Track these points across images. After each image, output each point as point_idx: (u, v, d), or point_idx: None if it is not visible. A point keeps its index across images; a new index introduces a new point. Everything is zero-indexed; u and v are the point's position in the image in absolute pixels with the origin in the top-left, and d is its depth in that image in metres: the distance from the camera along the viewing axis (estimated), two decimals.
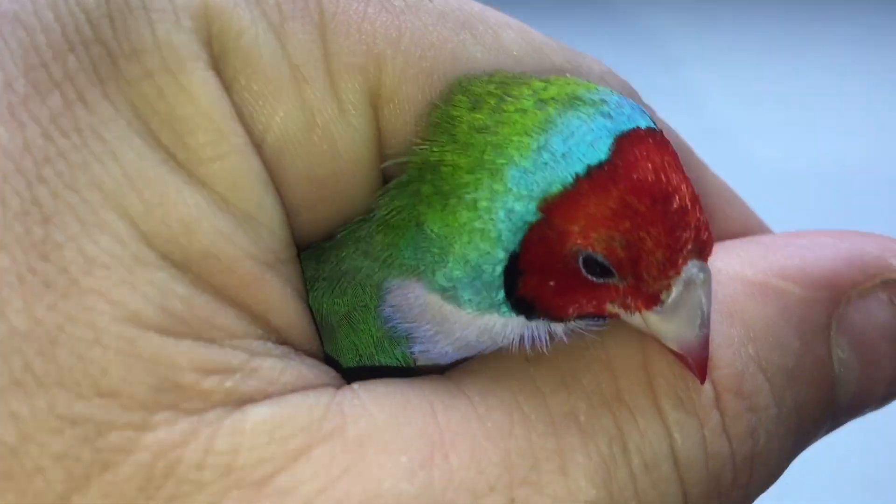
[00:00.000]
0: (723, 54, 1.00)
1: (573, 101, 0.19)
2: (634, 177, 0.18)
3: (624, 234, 0.18)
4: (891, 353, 0.20)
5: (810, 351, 0.19)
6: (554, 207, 0.18)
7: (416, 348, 0.20)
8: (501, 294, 0.19)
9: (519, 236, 0.18)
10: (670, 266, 0.18)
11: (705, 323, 0.18)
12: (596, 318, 0.19)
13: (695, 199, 0.18)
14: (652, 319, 0.18)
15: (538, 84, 0.19)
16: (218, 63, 0.17)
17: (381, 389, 0.17)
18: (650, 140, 0.18)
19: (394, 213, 0.20)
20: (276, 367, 0.16)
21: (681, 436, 0.18)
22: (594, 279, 0.18)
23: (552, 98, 0.19)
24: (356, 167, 0.19)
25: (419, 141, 0.19)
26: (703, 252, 0.18)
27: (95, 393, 0.14)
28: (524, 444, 0.17)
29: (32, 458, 0.14)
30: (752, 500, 0.19)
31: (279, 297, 0.17)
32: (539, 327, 0.20)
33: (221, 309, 0.16)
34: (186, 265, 0.16)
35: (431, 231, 0.19)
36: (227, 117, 0.17)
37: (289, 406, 0.16)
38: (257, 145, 0.17)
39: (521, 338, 0.20)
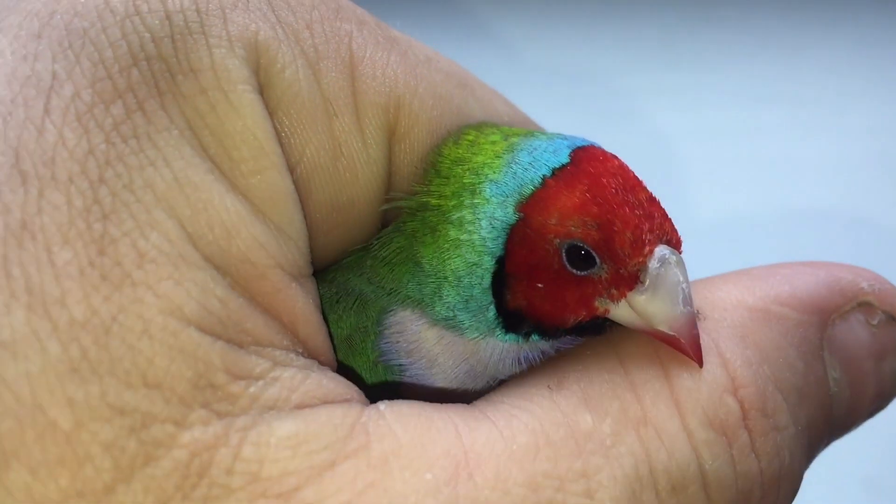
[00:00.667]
0: (723, 54, 1.00)
1: (533, 134, 0.21)
2: (595, 171, 0.20)
3: (595, 217, 0.19)
4: (873, 370, 0.21)
5: (812, 371, 0.20)
6: (529, 207, 0.20)
7: (407, 378, 0.21)
8: (493, 311, 0.20)
9: (502, 239, 0.20)
10: (641, 244, 0.19)
11: (688, 300, 0.19)
12: (583, 330, 0.20)
13: (654, 197, 0.20)
14: (637, 302, 0.19)
15: (506, 129, 0.22)
16: (263, 91, 0.19)
17: (406, 410, 0.17)
18: (605, 151, 0.21)
19: (394, 253, 0.21)
20: (297, 376, 0.17)
21: (710, 455, 0.18)
22: (577, 272, 0.19)
23: (516, 134, 0.21)
24: (371, 196, 0.21)
25: (415, 186, 0.21)
26: (671, 240, 0.19)
27: (142, 383, 0.15)
28: (549, 467, 0.17)
29: (84, 446, 0.15)
30: None
31: (303, 308, 0.18)
32: (531, 348, 0.21)
33: (252, 314, 0.17)
34: (225, 268, 0.17)
35: (428, 265, 0.21)
36: (269, 137, 0.18)
37: (314, 423, 0.16)
38: (292, 169, 0.19)
39: (518, 360, 0.21)
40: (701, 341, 0.19)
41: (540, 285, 0.20)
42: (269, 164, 0.18)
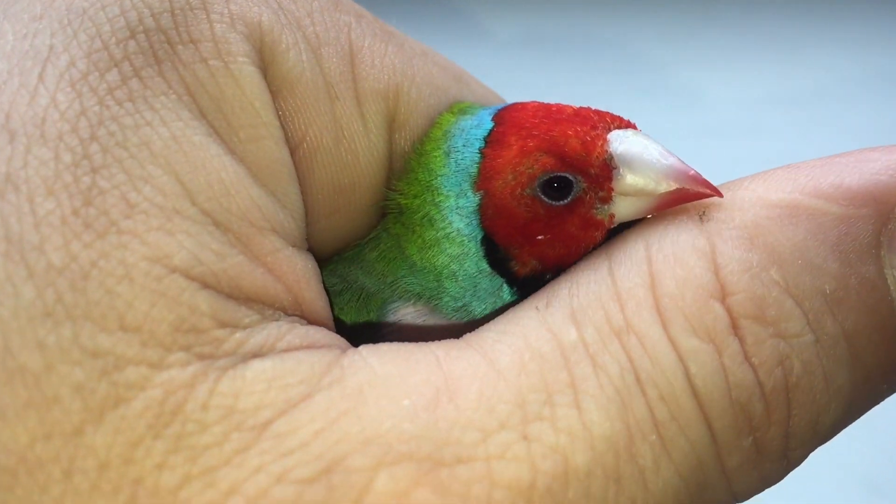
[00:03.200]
0: (723, 54, 1.00)
1: (462, 110, 0.22)
2: (516, 118, 0.20)
3: (538, 148, 0.19)
4: None
5: (854, 272, 0.17)
6: (483, 181, 0.20)
7: None
8: (506, 288, 0.20)
9: (477, 222, 0.20)
10: (592, 139, 0.19)
11: (664, 153, 0.19)
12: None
13: (583, 107, 0.20)
14: (624, 186, 0.19)
15: (454, 109, 0.22)
16: (266, 71, 0.19)
17: (385, 348, 0.17)
18: (523, 102, 0.21)
19: (386, 251, 0.21)
20: (283, 327, 0.17)
21: (695, 365, 0.17)
22: (563, 201, 0.19)
23: (452, 116, 0.22)
24: (372, 181, 0.21)
25: (394, 184, 0.22)
26: (620, 125, 0.20)
27: (119, 327, 0.15)
28: (535, 381, 0.16)
29: (53, 387, 0.15)
30: (806, 442, 0.18)
31: (302, 272, 0.18)
32: None
33: (251, 271, 0.17)
34: (226, 225, 0.17)
35: (420, 263, 0.21)
36: (267, 108, 0.18)
37: (291, 360, 0.16)
38: (294, 148, 0.19)
39: None
40: (696, 242, 0.18)
41: (541, 237, 0.19)
42: (267, 133, 0.18)
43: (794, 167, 0.19)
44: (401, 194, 0.21)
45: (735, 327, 0.17)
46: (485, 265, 0.20)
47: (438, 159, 0.21)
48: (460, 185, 0.20)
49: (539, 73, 0.94)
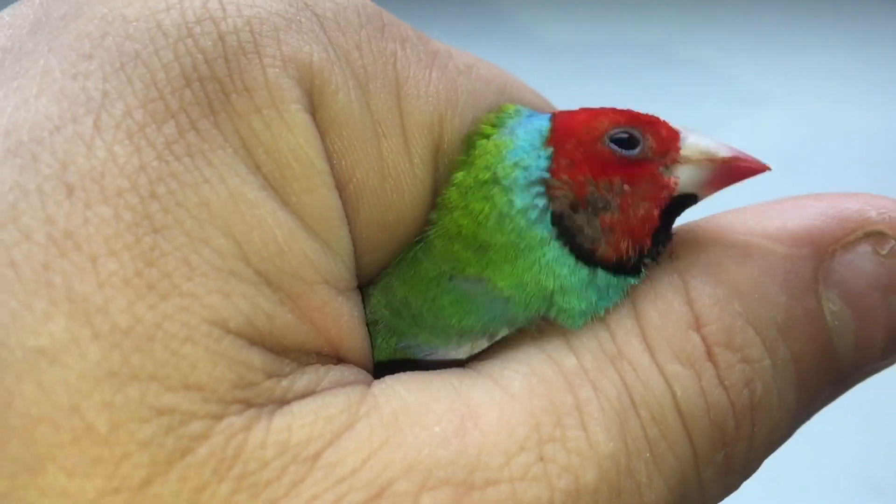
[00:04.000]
0: (723, 54, 1.00)
1: (503, 123, 0.22)
2: (576, 117, 0.21)
3: (609, 114, 0.20)
4: (882, 302, 0.20)
5: (799, 304, 0.20)
6: (556, 138, 0.20)
7: None
8: (598, 271, 0.20)
9: (549, 218, 0.20)
10: (662, 122, 0.20)
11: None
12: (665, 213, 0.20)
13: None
14: (692, 146, 0.20)
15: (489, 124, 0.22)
16: (316, 112, 0.19)
17: (406, 377, 0.18)
18: (562, 117, 0.21)
19: (436, 296, 0.21)
20: (320, 370, 0.18)
21: (680, 388, 0.19)
22: (631, 152, 0.20)
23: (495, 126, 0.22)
24: (417, 214, 0.22)
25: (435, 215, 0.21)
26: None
27: (183, 385, 0.16)
28: (546, 403, 0.18)
29: (121, 445, 0.15)
30: (760, 455, 0.20)
31: (348, 322, 0.19)
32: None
33: (296, 328, 0.18)
34: (278, 284, 0.17)
35: (511, 292, 0.20)
36: (320, 156, 0.19)
37: (329, 395, 0.17)
38: (341, 189, 0.20)
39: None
40: (670, 278, 0.20)
41: (622, 182, 0.20)
42: (321, 182, 0.18)
43: (743, 211, 0.21)
44: (456, 209, 0.21)
45: (710, 354, 0.19)
46: (568, 252, 0.20)
47: (499, 152, 0.21)
48: (533, 150, 0.21)
49: (539, 72, 0.94)
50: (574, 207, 0.20)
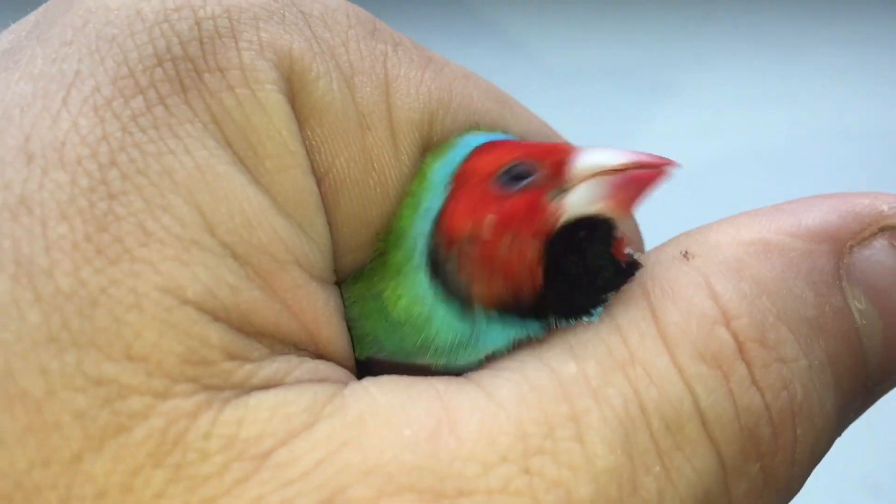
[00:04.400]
0: (723, 54, 1.00)
1: (423, 183, 0.20)
2: (472, 162, 0.19)
3: (504, 155, 0.19)
4: None
5: (827, 302, 0.18)
6: (454, 182, 0.19)
7: None
8: (478, 310, 0.19)
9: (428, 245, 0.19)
10: (557, 146, 0.19)
11: (616, 150, 0.18)
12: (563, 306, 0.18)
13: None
14: (581, 164, 0.18)
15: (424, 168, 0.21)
16: (294, 100, 0.19)
17: (386, 379, 0.17)
18: (475, 153, 0.20)
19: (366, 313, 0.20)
20: (292, 361, 0.17)
21: (704, 390, 0.17)
22: (517, 184, 0.18)
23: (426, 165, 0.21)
24: None
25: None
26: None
27: (125, 356, 0.15)
28: (536, 413, 0.16)
29: (54, 414, 0.14)
30: (803, 471, 0.18)
31: (323, 309, 0.18)
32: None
33: (266, 307, 0.17)
34: (245, 258, 0.17)
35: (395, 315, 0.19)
36: (294, 138, 0.18)
37: (294, 391, 0.16)
38: (320, 179, 0.19)
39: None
40: (689, 276, 0.18)
41: (489, 217, 0.18)
42: (294, 162, 0.18)
43: (751, 213, 0.20)
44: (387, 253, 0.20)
45: (742, 351, 0.17)
46: (454, 310, 0.19)
47: (410, 210, 0.20)
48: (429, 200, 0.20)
49: (538, 72, 0.94)
50: (447, 248, 0.19)
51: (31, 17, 0.19)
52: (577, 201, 0.18)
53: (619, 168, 0.18)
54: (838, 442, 0.20)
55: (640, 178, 0.18)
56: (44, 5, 0.20)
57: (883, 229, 0.19)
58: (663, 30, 1.03)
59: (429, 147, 0.21)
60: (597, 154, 0.18)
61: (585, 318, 0.18)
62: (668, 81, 0.93)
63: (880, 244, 0.19)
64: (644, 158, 0.18)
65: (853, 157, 0.82)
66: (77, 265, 0.15)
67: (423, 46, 0.22)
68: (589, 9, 1.07)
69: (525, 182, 0.18)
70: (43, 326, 0.15)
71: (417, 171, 0.20)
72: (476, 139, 0.21)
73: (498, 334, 0.19)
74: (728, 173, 0.81)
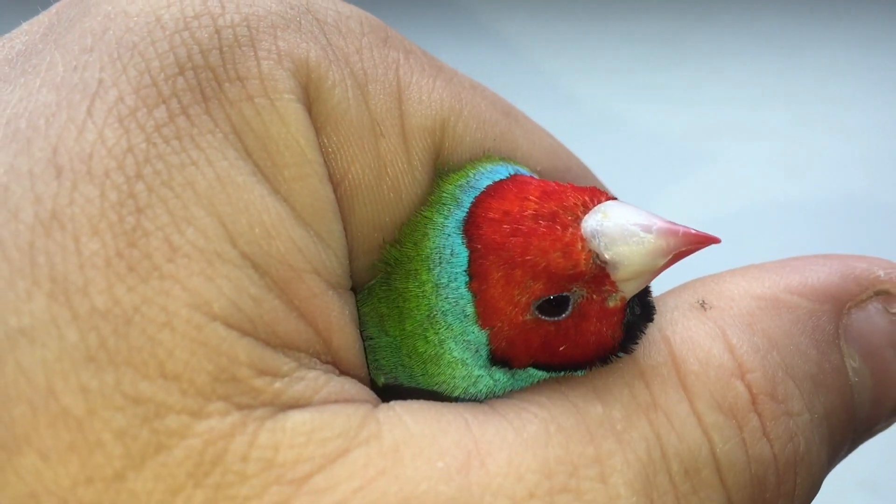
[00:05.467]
0: (723, 54, 1.00)
1: (434, 224, 0.20)
2: (488, 236, 0.19)
3: (524, 276, 0.18)
4: (895, 359, 0.21)
5: (827, 359, 0.20)
6: (485, 319, 0.19)
7: None
8: (535, 375, 0.20)
9: (486, 352, 0.19)
10: (571, 245, 0.18)
11: (645, 221, 0.18)
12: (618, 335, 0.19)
13: (543, 190, 0.19)
14: (625, 275, 0.18)
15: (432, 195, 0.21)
16: (312, 106, 0.19)
17: (416, 406, 0.18)
18: (485, 198, 0.20)
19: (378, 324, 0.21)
20: (321, 378, 0.17)
21: (720, 438, 0.18)
22: (565, 314, 0.19)
23: (432, 207, 0.21)
24: None
25: (388, 247, 0.21)
26: (587, 205, 0.19)
27: (159, 374, 0.15)
28: (562, 452, 0.17)
29: (95, 432, 0.15)
30: None
31: (338, 317, 0.18)
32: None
33: (286, 317, 0.17)
34: (264, 268, 0.17)
35: (417, 367, 0.20)
36: (312, 146, 0.18)
37: (328, 413, 0.16)
38: (336, 185, 0.19)
39: None
40: (706, 328, 0.19)
41: (563, 347, 0.19)
42: (311, 171, 0.18)
43: (761, 268, 0.21)
44: (398, 270, 0.20)
45: (755, 403, 0.18)
46: (500, 375, 0.20)
47: (429, 285, 0.20)
48: (462, 321, 0.19)
49: (538, 72, 0.93)
50: (502, 356, 0.20)
51: (44, 18, 0.19)
52: (632, 291, 0.19)
53: (664, 267, 0.19)
54: None
55: (680, 258, 0.19)
56: (55, 6, 0.20)
57: (878, 293, 0.21)
58: (663, 30, 1.03)
59: (439, 154, 0.21)
60: (631, 259, 0.18)
61: (580, 373, 0.19)
62: (668, 81, 0.93)
63: (874, 307, 0.21)
64: (682, 246, 0.18)
65: (853, 157, 0.82)
66: (110, 283, 0.15)
67: (432, 55, 0.22)
68: (589, 9, 1.07)
69: (570, 309, 0.19)
70: (81, 345, 0.15)
71: (434, 198, 0.21)
72: (493, 174, 0.21)
73: (528, 379, 0.20)
74: (728, 173, 0.81)
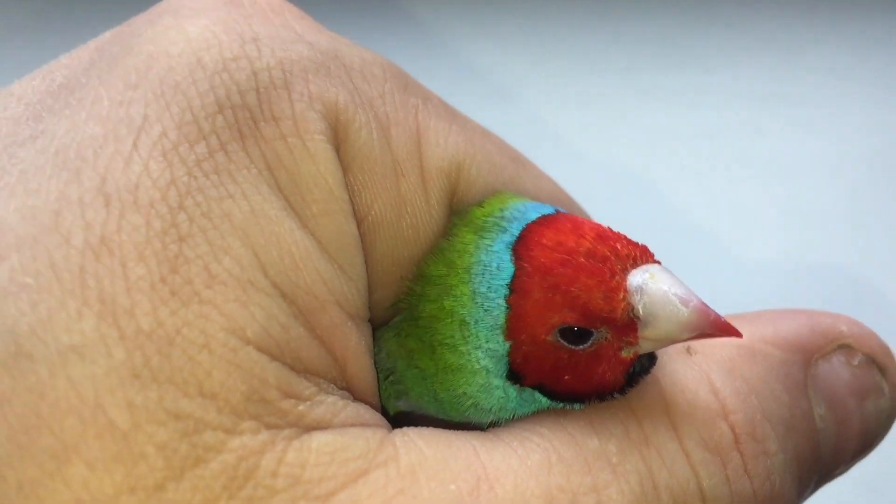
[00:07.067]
0: (723, 54, 1.00)
1: (482, 227, 0.22)
2: (536, 260, 0.20)
3: (565, 302, 0.19)
4: (856, 409, 0.22)
5: (798, 405, 0.21)
6: (512, 331, 0.20)
7: None
8: (539, 400, 0.21)
9: (505, 362, 0.20)
10: (614, 291, 0.19)
11: (685, 297, 0.19)
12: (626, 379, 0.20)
13: (599, 233, 0.20)
14: (650, 335, 0.19)
15: (472, 215, 0.22)
16: (339, 147, 0.20)
17: (428, 432, 0.19)
18: (539, 227, 0.21)
19: (399, 361, 0.22)
20: (339, 403, 0.18)
21: (706, 474, 0.19)
22: (584, 346, 0.20)
23: (472, 230, 0.22)
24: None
25: (409, 284, 0.22)
26: (636, 259, 0.20)
27: (198, 392, 0.16)
28: (563, 481, 0.18)
29: (139, 445, 0.16)
30: None
31: (355, 347, 0.19)
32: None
33: (309, 344, 0.18)
34: (292, 298, 0.18)
35: (438, 382, 0.21)
36: (339, 184, 0.20)
37: (348, 435, 0.18)
38: (360, 221, 0.21)
39: None
40: (693, 372, 0.20)
41: (567, 377, 0.20)
42: (338, 208, 0.20)
43: (738, 318, 0.23)
44: (423, 300, 0.21)
45: (737, 442, 0.20)
46: (511, 391, 0.21)
47: (465, 296, 0.21)
48: (490, 330, 0.21)
49: (539, 72, 0.94)
50: (519, 373, 0.21)
51: (83, 54, 0.21)
52: (652, 347, 0.20)
53: (682, 340, 0.20)
54: None
55: (704, 336, 0.20)
56: (94, 42, 0.21)
57: (841, 347, 0.23)
58: (662, 30, 1.03)
59: (455, 194, 0.22)
60: (663, 323, 0.19)
61: (577, 406, 0.20)
62: (668, 82, 0.93)
63: (838, 360, 0.23)
64: (708, 330, 0.19)
65: (853, 157, 0.83)
66: (155, 305, 0.16)
67: (446, 102, 0.24)
68: (588, 9, 1.07)
69: (590, 343, 0.20)
70: (127, 363, 0.16)
71: (455, 238, 0.22)
72: (539, 208, 0.22)
73: (531, 403, 0.21)
74: (728, 173, 0.81)
